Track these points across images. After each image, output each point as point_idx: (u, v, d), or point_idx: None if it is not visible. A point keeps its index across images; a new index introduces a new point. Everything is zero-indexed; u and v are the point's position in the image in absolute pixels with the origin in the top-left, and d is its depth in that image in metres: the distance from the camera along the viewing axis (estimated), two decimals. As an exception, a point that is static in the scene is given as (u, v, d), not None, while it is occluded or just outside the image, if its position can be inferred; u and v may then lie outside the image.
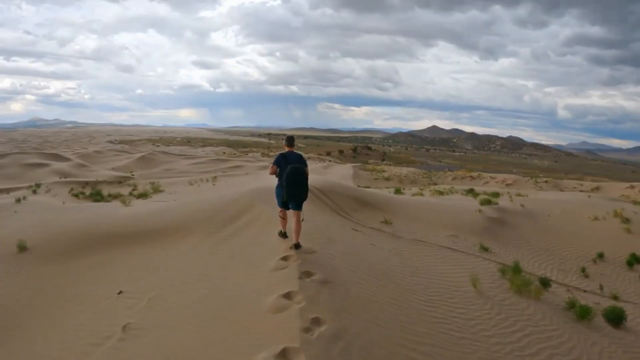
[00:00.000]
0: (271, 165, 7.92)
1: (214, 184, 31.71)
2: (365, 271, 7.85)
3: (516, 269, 11.77)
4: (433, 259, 11.45)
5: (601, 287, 13.59)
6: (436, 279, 9.40)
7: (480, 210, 19.61)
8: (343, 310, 5.44)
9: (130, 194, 31.09)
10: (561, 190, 73.72)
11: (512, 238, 17.72)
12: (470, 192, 34.10)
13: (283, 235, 8.44)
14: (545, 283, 11.52)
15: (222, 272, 7.74)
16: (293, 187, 7.62)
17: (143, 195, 29.33)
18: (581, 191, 71.69)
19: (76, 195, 31.28)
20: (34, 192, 32.30)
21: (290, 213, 8.09)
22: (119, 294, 8.58)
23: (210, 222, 11.40)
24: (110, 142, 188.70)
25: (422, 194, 30.15)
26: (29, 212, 18.93)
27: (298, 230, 7.85)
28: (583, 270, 15.17)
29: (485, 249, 14.50)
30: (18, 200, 22.95)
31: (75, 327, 7.81)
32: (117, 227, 12.68)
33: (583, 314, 9.42)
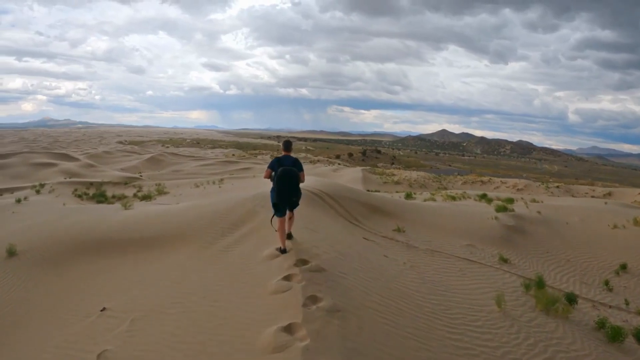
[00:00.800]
0: (266, 169, 8.02)
1: (220, 187, 30.88)
2: (380, 291, 6.94)
3: (540, 283, 10.90)
4: (451, 273, 10.53)
5: (627, 303, 12.65)
6: (457, 298, 8.49)
7: (496, 218, 18.67)
8: (355, 351, 4.47)
9: (135, 195, 30.41)
10: (573, 196, 72.60)
11: (530, 247, 16.77)
12: (484, 197, 33.00)
13: (282, 251, 7.92)
14: (571, 299, 10.63)
15: (215, 293, 6.81)
16: (282, 189, 7.71)
17: (147, 197, 28.61)
18: (593, 197, 70.55)
19: (80, 196, 30.65)
20: (38, 192, 31.74)
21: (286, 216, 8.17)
22: (102, 311, 7.73)
23: (209, 231, 10.51)
24: (120, 142, 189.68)
25: (434, 199, 29.14)
26: (27, 213, 18.28)
27: (290, 224, 8.30)
28: (606, 283, 14.22)
29: (504, 260, 13.58)
30: (18, 201, 22.35)
31: (52, 349, 6.99)
32: (111, 233, 11.85)
33: (615, 335, 8.61)
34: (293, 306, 5.16)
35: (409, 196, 32.54)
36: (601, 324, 9.12)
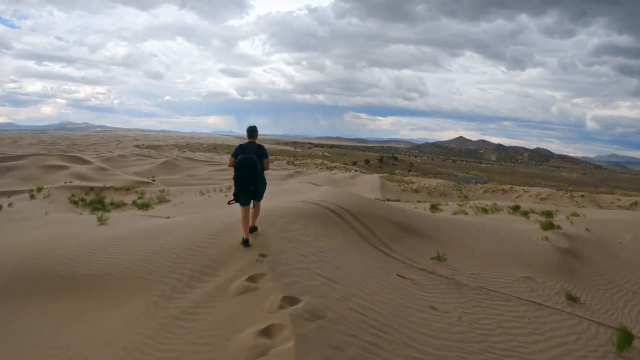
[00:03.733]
0: (230, 157, 7.76)
1: (226, 195, 28.14)
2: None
3: (627, 336, 8.05)
4: (520, 327, 7.62)
5: None
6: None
7: (546, 238, 15.69)
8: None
9: (134, 203, 27.86)
10: (598, 206, 69.47)
11: (591, 277, 13.81)
12: (517, 209, 30.04)
13: (245, 243, 7.65)
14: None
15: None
16: (241, 178, 7.50)
17: (145, 206, 26.05)
18: (619, 207, 67.51)
19: (75, 203, 28.24)
20: (32, 197, 29.46)
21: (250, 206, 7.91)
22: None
23: (170, 276, 7.29)
24: (137, 146, 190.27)
25: (464, 212, 26.16)
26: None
27: (255, 216, 8.06)
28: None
29: (573, 300, 10.61)
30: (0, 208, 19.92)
31: None
32: (52, 263, 9.09)
33: None
34: None
35: (434, 208, 29.68)
36: None
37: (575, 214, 27.54)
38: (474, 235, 14.47)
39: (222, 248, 7.80)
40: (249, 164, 7.46)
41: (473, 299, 8.38)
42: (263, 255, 6.96)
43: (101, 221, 13.37)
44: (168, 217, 15.71)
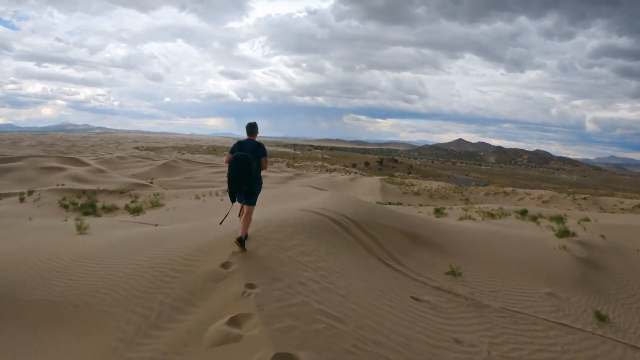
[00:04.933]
0: (227, 153, 7.49)
1: (222, 199, 26.93)
2: None
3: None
4: (553, 357, 6.58)
5: None
6: None
7: (564, 247, 14.60)
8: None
9: (126, 207, 26.69)
10: (601, 209, 68.45)
11: (614, 290, 12.71)
12: (525, 214, 28.94)
13: (240, 242, 7.08)
14: None
15: None
16: (233, 175, 7.14)
17: (137, 211, 24.89)
18: (622, 209, 66.47)
19: (66, 207, 27.10)
20: (22, 200, 28.38)
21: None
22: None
23: (136, 311, 5.96)
24: (137, 148, 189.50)
25: (471, 218, 25.04)
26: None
27: (245, 225, 7.37)
28: None
29: (602, 319, 9.54)
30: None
31: None
32: (13, 284, 7.88)
33: None
34: None
35: (439, 212, 28.58)
36: None
37: (586, 219, 26.44)
38: (487, 245, 13.39)
39: (202, 274, 6.51)
40: (244, 161, 7.08)
41: (497, 324, 7.30)
42: (251, 287, 5.71)
43: (80, 230, 12.21)
44: (156, 225, 14.60)
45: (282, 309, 5.10)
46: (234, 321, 4.85)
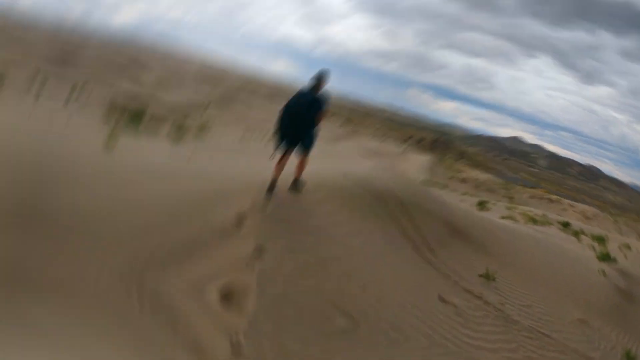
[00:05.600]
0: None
1: (265, 146, 26.34)
2: None
3: None
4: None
5: None
6: None
7: (603, 272, 13.79)
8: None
9: (170, 130, 26.44)
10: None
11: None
12: (567, 226, 27.77)
13: (270, 187, 6.62)
14: None
15: None
16: (280, 126, 6.83)
17: (179, 136, 24.60)
18: (664, 241, 63.45)
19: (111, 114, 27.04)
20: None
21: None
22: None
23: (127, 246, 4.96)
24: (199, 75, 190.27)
25: (513, 218, 24.19)
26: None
27: (299, 168, 7.18)
28: None
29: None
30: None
31: None
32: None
33: None
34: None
35: (482, 205, 27.80)
36: None
37: (627, 246, 25.15)
38: (527, 252, 12.73)
39: (211, 223, 5.70)
40: (293, 114, 6.80)
41: (524, 345, 6.81)
42: (259, 254, 4.86)
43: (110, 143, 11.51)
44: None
45: (287, 296, 4.43)
46: (227, 294, 4.23)
